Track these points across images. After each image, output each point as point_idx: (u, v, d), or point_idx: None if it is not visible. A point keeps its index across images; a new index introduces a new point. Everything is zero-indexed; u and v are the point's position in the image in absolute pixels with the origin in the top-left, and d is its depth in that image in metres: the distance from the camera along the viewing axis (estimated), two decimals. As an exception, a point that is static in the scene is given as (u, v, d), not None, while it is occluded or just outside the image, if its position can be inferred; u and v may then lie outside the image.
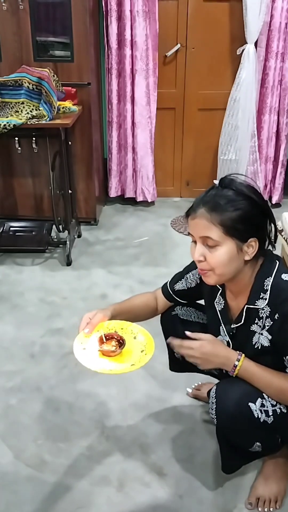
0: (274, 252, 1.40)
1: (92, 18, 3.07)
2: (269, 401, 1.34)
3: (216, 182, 1.32)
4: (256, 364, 1.33)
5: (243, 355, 1.33)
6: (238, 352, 1.34)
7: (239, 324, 1.40)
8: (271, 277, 1.31)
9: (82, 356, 1.31)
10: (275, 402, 1.35)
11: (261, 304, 1.33)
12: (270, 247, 1.38)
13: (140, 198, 3.76)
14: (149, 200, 3.77)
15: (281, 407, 1.35)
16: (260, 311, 1.34)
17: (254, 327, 1.37)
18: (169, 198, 3.96)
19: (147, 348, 1.36)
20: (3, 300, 2.62)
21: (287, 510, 1.53)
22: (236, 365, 1.32)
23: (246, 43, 3.32)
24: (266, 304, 1.32)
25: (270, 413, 1.33)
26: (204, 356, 1.32)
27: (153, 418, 1.86)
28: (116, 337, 1.37)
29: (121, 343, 1.35)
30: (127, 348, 1.34)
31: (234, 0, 3.31)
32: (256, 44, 3.34)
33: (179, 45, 3.49)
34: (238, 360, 1.32)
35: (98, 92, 3.42)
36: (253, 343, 1.38)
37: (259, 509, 1.52)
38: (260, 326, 1.36)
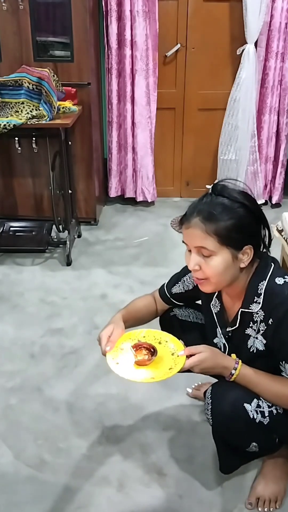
0: (270, 254, 1.39)
1: (92, 18, 3.07)
2: (265, 402, 1.34)
3: (209, 187, 1.31)
4: (253, 370, 1.33)
5: (240, 362, 1.33)
6: (235, 359, 1.34)
7: (234, 327, 1.40)
8: (265, 280, 1.31)
9: (119, 370, 1.31)
10: (271, 403, 1.35)
11: (255, 308, 1.33)
12: (264, 250, 1.37)
13: (140, 198, 3.76)
14: (149, 200, 3.77)
15: (277, 408, 1.35)
16: (254, 315, 1.34)
17: (249, 331, 1.37)
18: (169, 198, 3.96)
19: (177, 349, 1.35)
20: (3, 300, 2.62)
21: (287, 510, 1.53)
22: (233, 373, 1.32)
23: (246, 43, 3.32)
24: (260, 308, 1.32)
25: (266, 414, 1.33)
26: (203, 371, 1.32)
27: (153, 418, 1.86)
28: (145, 346, 1.37)
29: (150, 350, 1.35)
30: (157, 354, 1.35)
31: (234, 0, 3.31)
32: (256, 44, 3.34)
33: (179, 45, 3.49)
34: (235, 368, 1.32)
35: (98, 92, 3.42)
36: (249, 346, 1.38)
37: (259, 509, 1.52)
38: (254, 330, 1.36)
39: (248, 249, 1.28)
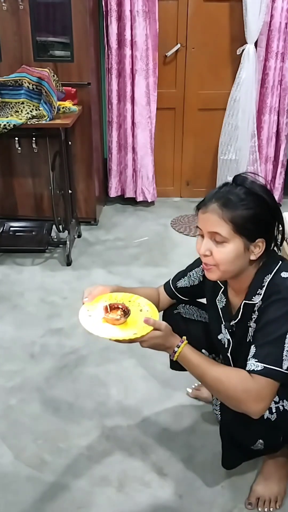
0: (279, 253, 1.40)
1: (92, 18, 3.07)
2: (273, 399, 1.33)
3: (230, 179, 1.32)
4: (196, 353, 1.31)
5: (185, 341, 1.31)
6: (181, 339, 1.31)
7: (237, 319, 1.40)
8: (271, 274, 1.31)
9: (87, 322, 1.30)
10: (278, 399, 1.34)
11: (257, 299, 1.33)
12: (275, 249, 1.37)
13: (140, 198, 3.76)
14: (149, 200, 3.77)
15: (284, 404, 1.35)
16: (255, 307, 1.34)
17: (250, 323, 1.37)
18: (169, 198, 3.96)
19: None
20: (3, 300, 2.62)
21: (287, 510, 1.53)
22: (176, 351, 1.29)
23: (246, 43, 3.32)
24: (261, 299, 1.32)
25: (274, 410, 1.33)
26: (151, 345, 1.28)
27: (153, 418, 1.86)
28: (121, 307, 1.36)
29: (126, 312, 1.34)
30: (132, 318, 1.33)
31: (234, 0, 3.32)
32: (256, 44, 3.34)
33: (179, 45, 3.49)
34: (179, 346, 1.29)
35: (98, 92, 3.42)
36: (248, 338, 1.38)
37: (259, 509, 1.52)
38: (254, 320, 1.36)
39: (260, 243, 1.28)
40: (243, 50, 3.35)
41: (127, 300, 1.42)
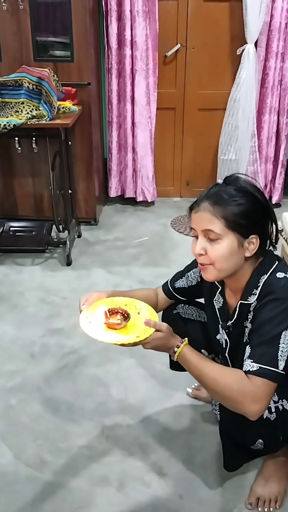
0: (275, 253, 1.40)
1: (92, 18, 3.07)
2: (272, 398, 1.33)
3: (220, 181, 1.34)
4: (195, 353, 1.31)
5: (185, 342, 1.31)
6: (181, 340, 1.32)
7: (233, 320, 1.41)
8: (267, 274, 1.31)
9: (88, 328, 1.31)
10: (277, 398, 1.34)
11: (252, 299, 1.33)
12: (271, 248, 1.38)
13: (140, 198, 3.76)
14: (149, 200, 3.77)
15: (283, 404, 1.35)
16: (251, 307, 1.34)
17: (246, 323, 1.37)
18: (169, 198, 3.96)
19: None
20: (3, 300, 2.62)
21: (287, 510, 1.53)
22: (176, 351, 1.30)
23: (246, 43, 3.32)
24: (256, 299, 1.32)
25: (273, 410, 1.34)
26: (153, 347, 1.30)
27: (153, 418, 1.86)
28: (120, 311, 1.37)
29: (125, 317, 1.35)
30: (131, 322, 1.34)
31: (234, 0, 3.32)
32: (256, 44, 3.34)
33: (179, 45, 3.49)
34: (178, 346, 1.30)
35: (98, 92, 3.42)
36: (244, 339, 1.38)
37: (259, 509, 1.52)
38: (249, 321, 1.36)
39: (254, 239, 1.29)
40: (243, 50, 3.35)
41: (123, 304, 1.42)
